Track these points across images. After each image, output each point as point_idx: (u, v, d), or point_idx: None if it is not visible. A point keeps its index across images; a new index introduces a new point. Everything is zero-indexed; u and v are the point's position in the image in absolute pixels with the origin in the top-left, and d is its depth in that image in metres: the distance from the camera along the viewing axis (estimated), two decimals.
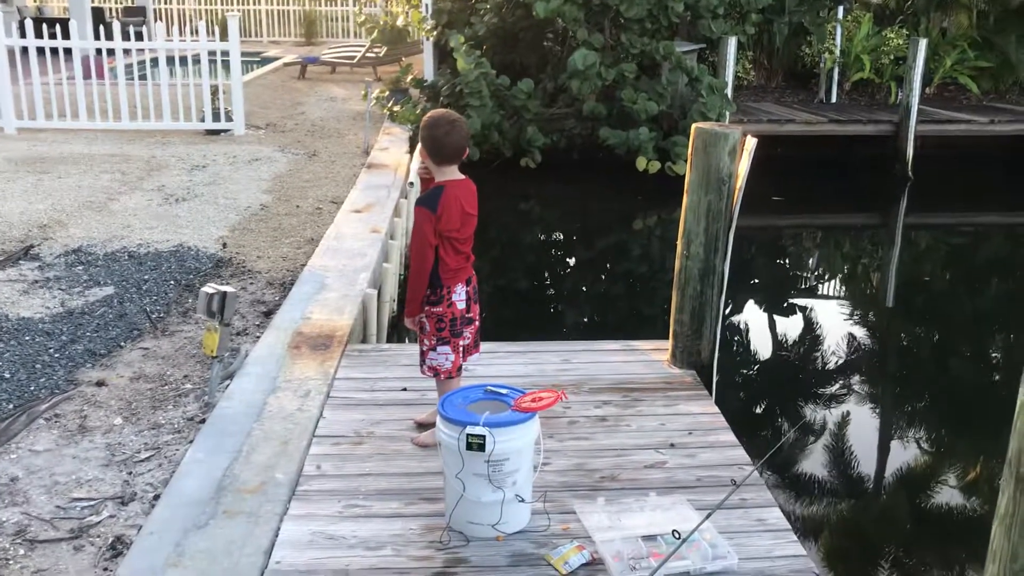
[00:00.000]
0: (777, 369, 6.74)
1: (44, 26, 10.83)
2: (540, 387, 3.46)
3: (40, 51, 10.67)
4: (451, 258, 3.51)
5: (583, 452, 3.66)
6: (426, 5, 13.77)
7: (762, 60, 15.65)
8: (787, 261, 10.12)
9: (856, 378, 6.52)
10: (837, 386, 6.33)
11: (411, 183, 8.42)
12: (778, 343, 7.16)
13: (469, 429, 2.94)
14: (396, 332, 6.23)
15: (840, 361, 6.78)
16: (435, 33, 13.40)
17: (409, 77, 13.78)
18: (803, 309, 8.01)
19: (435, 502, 3.23)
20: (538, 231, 10.82)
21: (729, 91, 12.16)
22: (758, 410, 5.98)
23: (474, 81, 11.34)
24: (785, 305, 8.11)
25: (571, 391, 4.16)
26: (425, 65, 14.36)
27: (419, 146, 3.66)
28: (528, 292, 8.34)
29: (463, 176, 3.62)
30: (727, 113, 11.69)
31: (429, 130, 3.54)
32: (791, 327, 7.50)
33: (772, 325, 7.58)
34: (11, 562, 2.92)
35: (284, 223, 7.20)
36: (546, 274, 9.26)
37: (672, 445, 3.74)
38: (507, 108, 11.63)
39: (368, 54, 17.11)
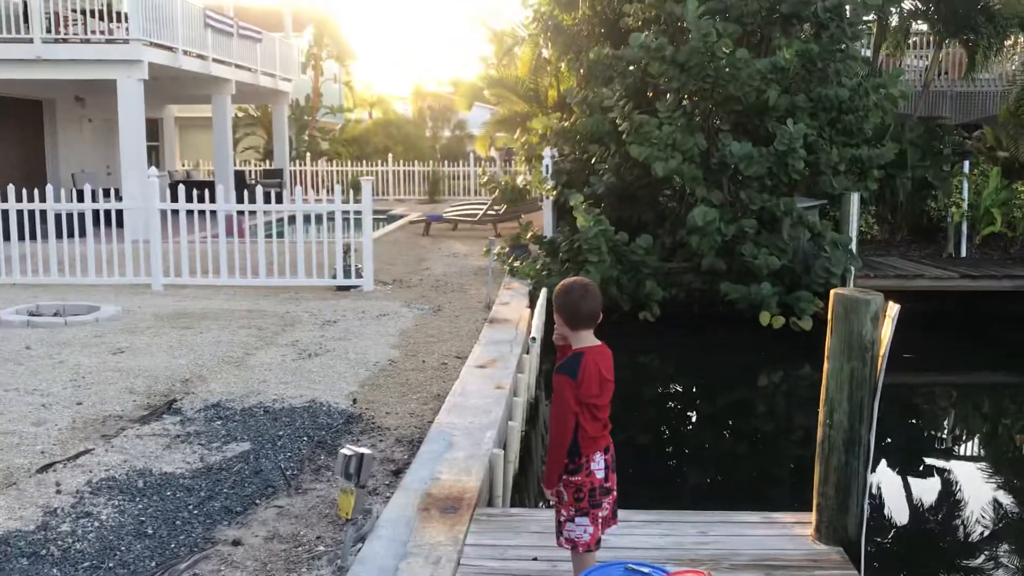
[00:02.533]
0: (929, 542, 6.30)
1: (194, 189, 11.71)
2: (678, 562, 3.33)
3: (188, 212, 11.48)
4: (590, 425, 3.47)
5: None
6: (546, 166, 14.28)
7: (886, 214, 15.45)
8: (928, 422, 9.62)
9: (1012, 549, 6.04)
10: (992, 559, 5.87)
11: (533, 338, 8.49)
12: (927, 513, 6.73)
13: None
14: (518, 493, 6.15)
15: (993, 531, 6.30)
16: (554, 192, 13.82)
17: (529, 234, 14.16)
18: (951, 474, 7.54)
19: None
20: (659, 386, 10.67)
21: (853, 246, 12.00)
22: None
23: (593, 238, 11.55)
24: (931, 471, 7.66)
25: (710, 567, 3.97)
26: (544, 222, 14.76)
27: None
28: (653, 450, 8.15)
29: (599, 342, 3.62)
30: (852, 269, 11.49)
31: (564, 297, 3.58)
32: (939, 495, 7.06)
33: (919, 494, 7.14)
34: None
35: (411, 378, 7.32)
36: (669, 431, 9.06)
37: None
38: (625, 263, 11.74)
39: (489, 212, 17.73)
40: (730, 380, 10.43)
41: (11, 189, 11.42)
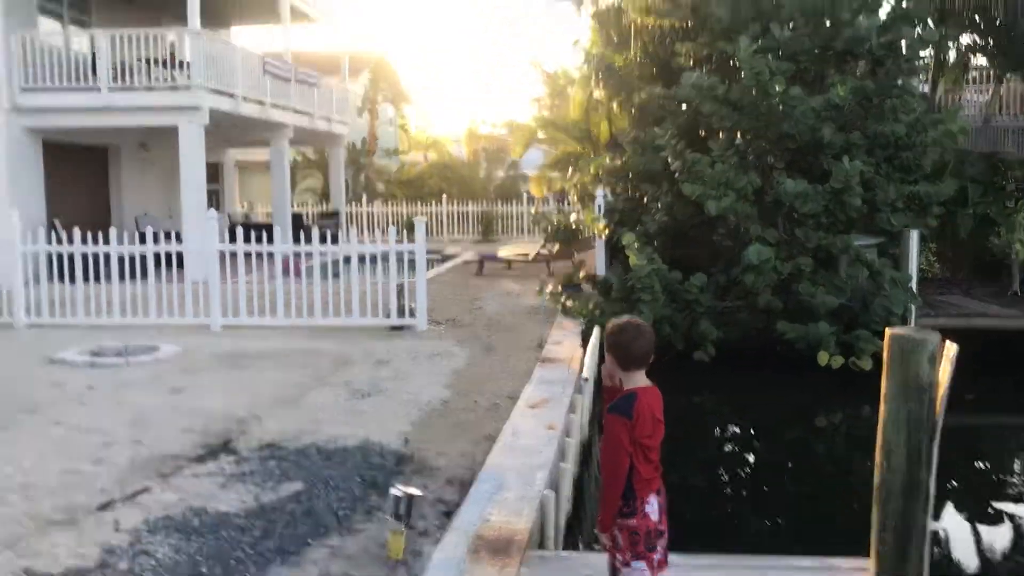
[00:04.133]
0: None
1: (252, 231, 11.94)
2: None
3: (246, 253, 11.70)
4: (643, 467, 3.44)
5: None
6: (598, 205, 14.30)
7: (946, 252, 15.13)
8: (995, 466, 9.32)
9: None
10: None
11: (585, 378, 8.45)
12: (994, 561, 6.49)
13: None
14: (570, 535, 6.08)
15: None
16: (607, 231, 13.81)
17: (582, 273, 14.15)
18: (1015, 519, 7.28)
19: None
20: (715, 426, 10.52)
21: (914, 284, 11.76)
22: None
23: (646, 277, 11.50)
24: (999, 516, 7.40)
25: None
26: (597, 261, 14.74)
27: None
28: (707, 492, 8.01)
29: (650, 382, 3.59)
30: (913, 307, 11.25)
31: (616, 336, 3.57)
32: (1008, 541, 6.81)
33: (987, 540, 6.91)
34: None
35: (463, 418, 7.32)
36: (724, 473, 8.92)
37: None
38: (679, 302, 11.64)
39: (542, 251, 17.77)
40: (787, 421, 10.25)
41: (76, 233, 11.78)
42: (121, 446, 6.47)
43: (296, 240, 12.05)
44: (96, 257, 11.86)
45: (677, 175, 12.15)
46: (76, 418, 7.22)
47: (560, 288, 13.95)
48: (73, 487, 5.61)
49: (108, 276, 11.82)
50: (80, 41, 17.22)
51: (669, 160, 12.41)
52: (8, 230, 11.90)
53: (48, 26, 17.03)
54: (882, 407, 4.13)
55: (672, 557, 3.85)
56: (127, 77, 16.11)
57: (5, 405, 7.69)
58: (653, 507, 3.47)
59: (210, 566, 4.47)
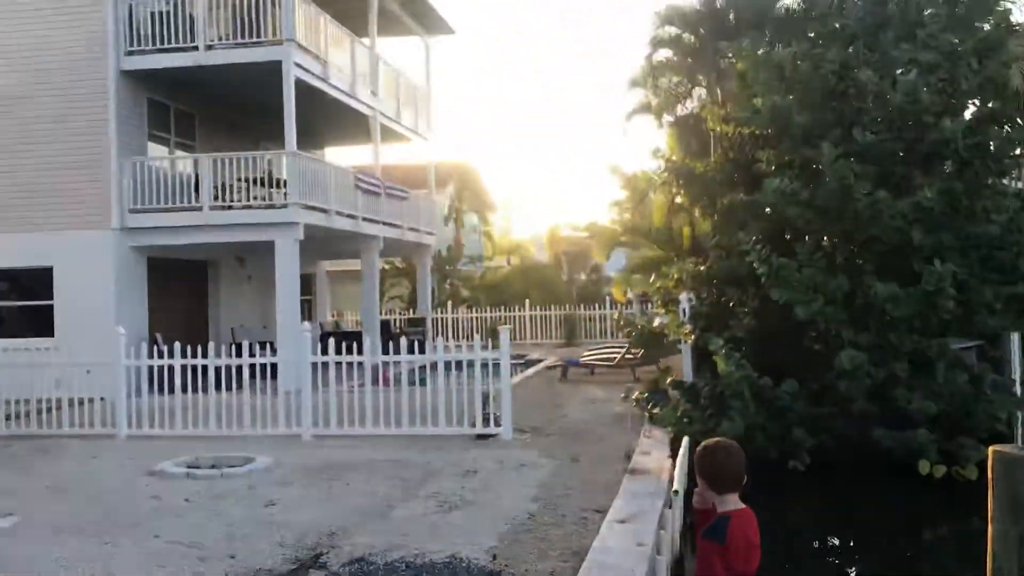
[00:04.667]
0: None
1: (343, 341, 12.24)
2: None
3: (337, 362, 11.96)
4: None
5: None
6: (683, 310, 14.24)
7: None
8: None
9: None
10: None
11: (675, 491, 8.29)
12: None
13: None
14: None
15: None
16: (692, 336, 13.70)
17: (668, 379, 14.00)
18: None
19: None
20: (811, 538, 10.12)
21: (1017, 388, 11.28)
22: None
23: (735, 383, 11.33)
24: None
25: None
26: (684, 367, 14.59)
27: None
28: None
29: (744, 505, 3.54)
30: (1020, 412, 10.77)
31: (705, 459, 3.55)
32: None
33: None
34: None
35: (550, 533, 7.24)
36: None
37: None
38: (771, 409, 11.39)
39: (627, 356, 17.68)
40: (888, 533, 9.80)
41: (177, 347, 12.25)
42: (216, 560, 6.59)
43: (384, 348, 12.29)
44: (195, 369, 12.28)
45: (763, 280, 12.06)
46: (173, 531, 7.39)
47: (646, 395, 13.80)
48: None
49: (205, 387, 12.20)
50: (185, 164, 18.29)
51: (754, 264, 12.34)
52: (114, 346, 12.46)
53: (156, 151, 18.14)
54: (990, 528, 3.97)
55: None
56: (227, 196, 16.96)
57: (107, 517, 7.94)
58: None
59: None
